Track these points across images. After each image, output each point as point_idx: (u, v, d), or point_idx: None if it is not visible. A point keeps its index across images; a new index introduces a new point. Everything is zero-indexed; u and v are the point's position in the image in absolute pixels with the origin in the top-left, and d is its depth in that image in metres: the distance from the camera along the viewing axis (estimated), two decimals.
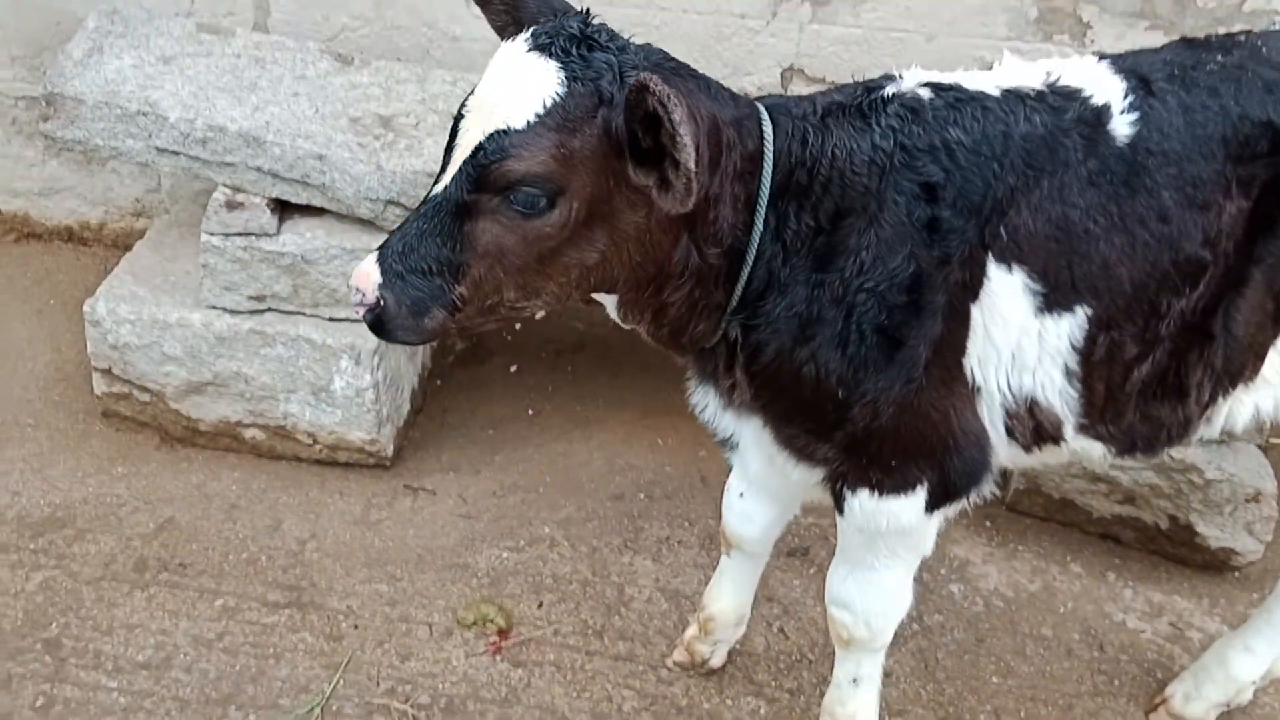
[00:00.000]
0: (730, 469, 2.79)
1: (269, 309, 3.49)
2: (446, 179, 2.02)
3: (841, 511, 2.41)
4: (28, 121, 4.26)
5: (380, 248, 2.05)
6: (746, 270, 2.15)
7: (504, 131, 1.94)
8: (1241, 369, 2.27)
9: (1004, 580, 3.46)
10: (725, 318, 2.23)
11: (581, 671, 3.09)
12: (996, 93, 2.17)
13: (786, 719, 3.01)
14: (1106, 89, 2.16)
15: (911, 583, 2.57)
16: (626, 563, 3.44)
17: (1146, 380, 2.24)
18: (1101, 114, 2.13)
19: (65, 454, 3.66)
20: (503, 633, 3.17)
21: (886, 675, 2.90)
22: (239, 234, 3.36)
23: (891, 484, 2.29)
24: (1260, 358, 2.28)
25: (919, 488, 2.29)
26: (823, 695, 2.85)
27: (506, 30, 2.10)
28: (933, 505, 2.33)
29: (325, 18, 4.02)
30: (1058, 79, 2.19)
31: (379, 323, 2.06)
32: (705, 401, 2.47)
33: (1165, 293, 2.15)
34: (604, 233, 2.04)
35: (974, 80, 2.21)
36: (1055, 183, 2.11)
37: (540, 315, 2.18)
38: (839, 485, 2.36)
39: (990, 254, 2.13)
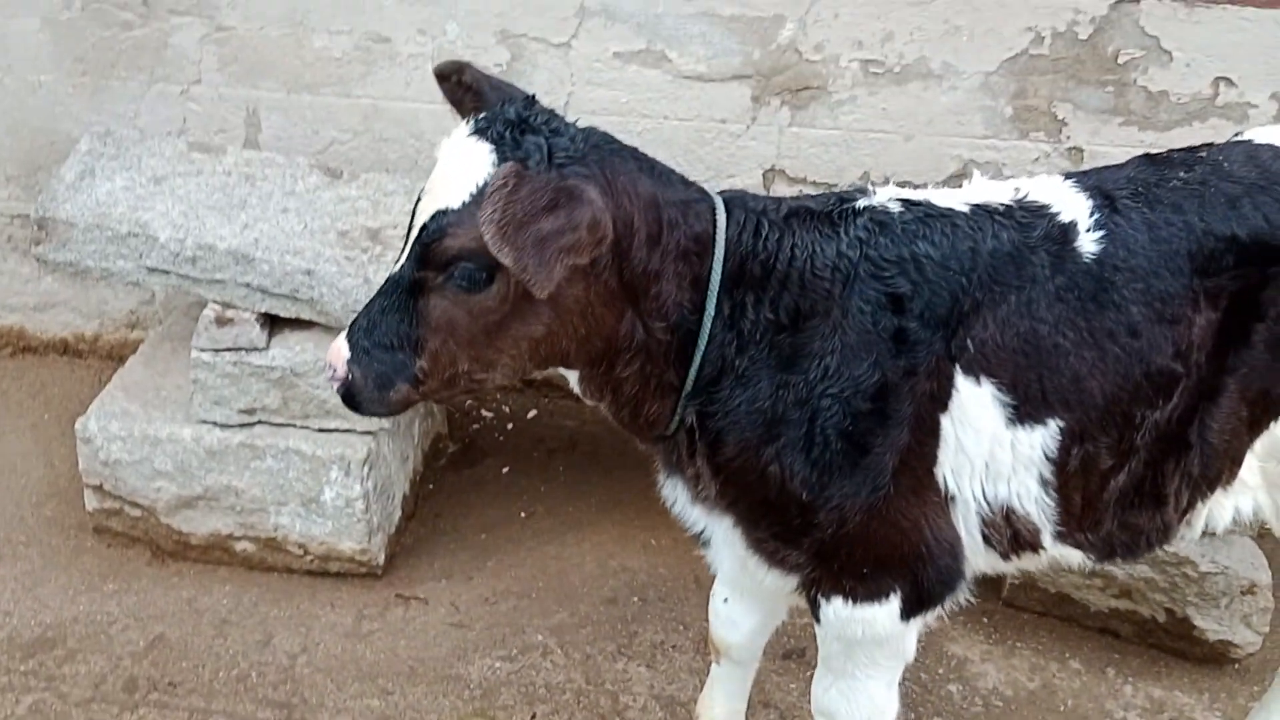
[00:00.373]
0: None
1: (259, 422, 3.51)
2: (403, 258, 2.12)
3: (818, 619, 2.41)
4: (23, 239, 4.33)
5: (350, 325, 2.18)
6: (700, 353, 2.19)
7: (443, 211, 2.04)
8: (1219, 475, 2.28)
9: (1003, 679, 3.42)
10: (682, 402, 2.26)
11: None
12: (965, 209, 2.22)
13: None
14: (1073, 206, 2.21)
15: (897, 689, 2.55)
16: (620, 669, 3.40)
17: (1124, 489, 2.25)
18: (1068, 231, 2.18)
19: (57, 571, 3.65)
20: None
21: None
22: (229, 349, 3.40)
23: (865, 592, 2.29)
24: (1237, 463, 2.30)
25: (893, 595, 2.30)
26: None
27: None
28: (908, 613, 2.33)
29: (315, 132, 4.11)
30: (1025, 196, 2.24)
31: (349, 395, 2.19)
32: (675, 495, 2.50)
33: (1138, 405, 2.18)
34: (546, 307, 2.09)
35: (944, 197, 2.26)
36: (1023, 298, 2.15)
37: (500, 384, 2.27)
38: (813, 592, 2.36)
39: (958, 366, 2.16)
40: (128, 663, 3.33)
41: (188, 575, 3.66)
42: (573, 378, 2.33)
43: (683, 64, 3.95)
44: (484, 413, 4.46)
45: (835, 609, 2.34)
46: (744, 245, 2.18)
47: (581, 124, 2.17)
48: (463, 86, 2.25)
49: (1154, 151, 2.39)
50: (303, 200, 3.57)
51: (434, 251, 2.05)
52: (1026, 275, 2.15)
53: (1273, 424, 2.28)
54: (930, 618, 2.42)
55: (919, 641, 3.45)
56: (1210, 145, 2.37)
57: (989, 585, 3.65)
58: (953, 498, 2.25)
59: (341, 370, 2.15)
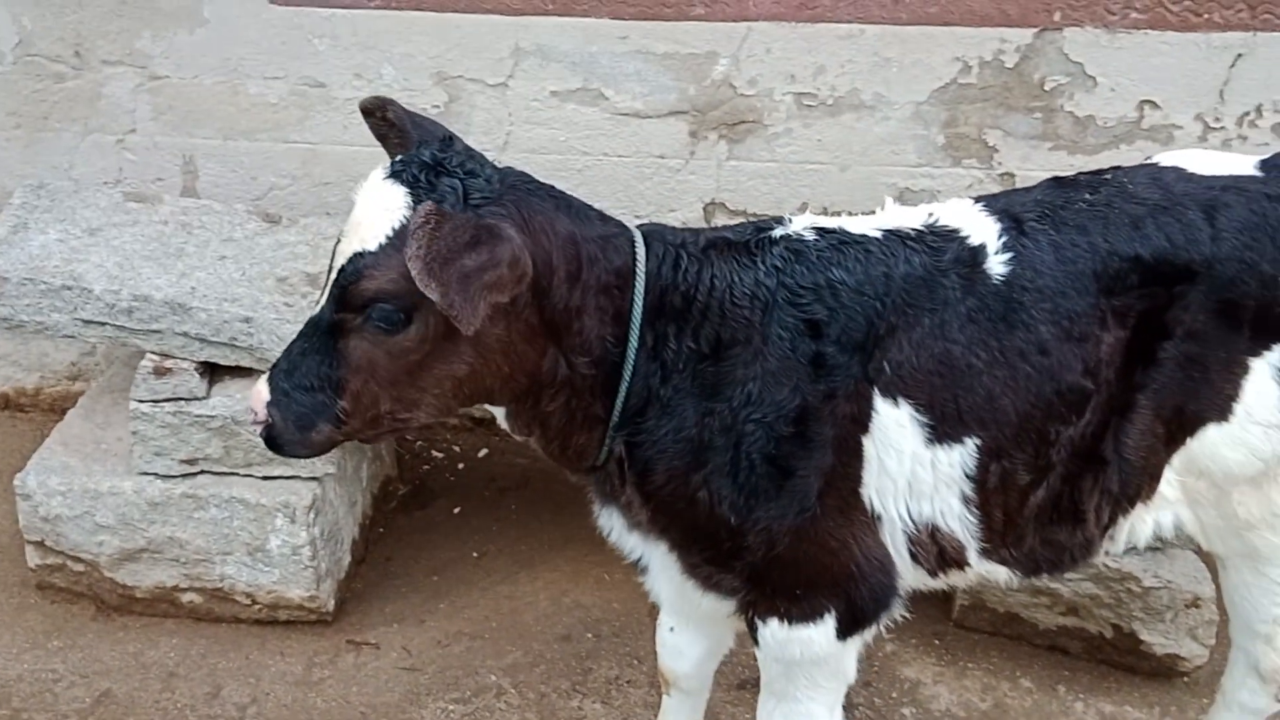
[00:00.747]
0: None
1: (201, 472, 3.48)
2: (322, 300, 2.13)
3: (756, 642, 2.43)
4: None
5: (271, 367, 2.18)
6: (625, 385, 2.21)
7: (360, 254, 2.05)
8: (1138, 490, 2.32)
9: (955, 700, 3.43)
10: (610, 433, 2.28)
11: None
12: (878, 235, 2.26)
13: None
14: (981, 230, 2.25)
15: (840, 712, 2.57)
16: (575, 707, 3.39)
17: (1043, 505, 2.29)
18: (978, 254, 2.22)
19: (1, 630, 3.60)
20: None
21: None
22: (168, 399, 3.38)
23: (799, 613, 2.31)
24: (1155, 478, 2.34)
25: (827, 615, 2.32)
26: None
27: None
28: (844, 632, 2.35)
29: (253, 178, 4.12)
30: (936, 220, 2.28)
31: (270, 438, 2.19)
32: (610, 524, 2.51)
33: (1052, 421, 2.21)
34: (468, 346, 2.10)
35: (857, 224, 2.30)
36: (936, 320, 2.19)
37: (425, 422, 2.28)
38: (750, 615, 2.39)
39: (876, 388, 2.19)
40: None
41: (133, 629, 3.62)
42: (500, 413, 2.35)
43: (619, 101, 3.99)
44: (434, 453, 4.45)
45: (772, 631, 2.36)
46: (664, 277, 2.21)
47: (519, 164, 2.21)
48: (387, 123, 2.27)
49: (1062, 175, 2.44)
50: (241, 247, 3.57)
51: (352, 293, 2.06)
52: (939, 298, 2.19)
53: (1189, 440, 2.32)
54: (868, 636, 2.44)
55: (872, 666, 3.51)
56: (1117, 168, 2.43)
57: (939, 607, 3.68)
58: (879, 517, 2.28)
59: (262, 413, 2.15)
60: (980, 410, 2.19)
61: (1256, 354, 2.25)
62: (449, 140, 2.17)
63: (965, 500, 2.26)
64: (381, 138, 2.30)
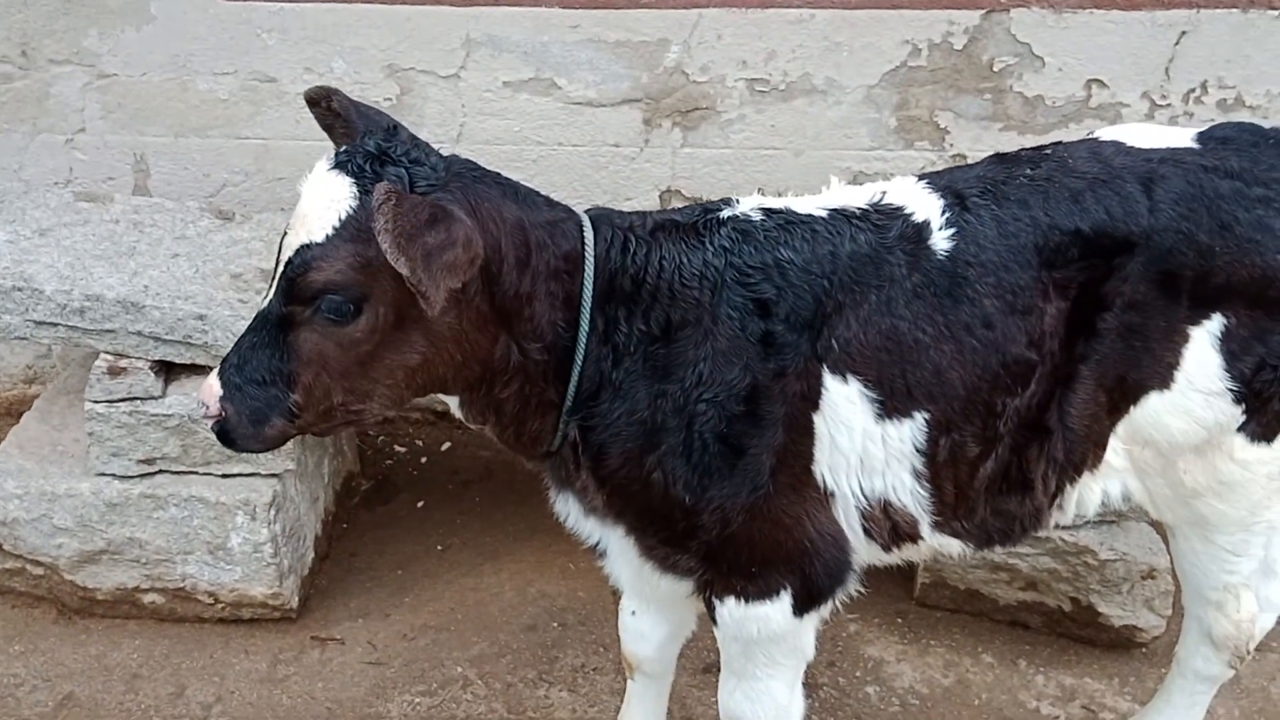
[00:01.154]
0: None
1: (160, 471, 3.46)
2: (270, 293, 2.12)
3: (715, 621, 2.45)
4: None
5: (222, 362, 2.17)
6: (577, 369, 2.22)
7: (307, 245, 2.04)
8: (1084, 459, 2.35)
9: (918, 677, 3.46)
10: (563, 418, 2.29)
11: None
12: (824, 214, 2.28)
13: None
14: (925, 206, 2.28)
15: (801, 688, 2.59)
16: (542, 696, 3.40)
17: (992, 476, 2.32)
18: (922, 230, 2.24)
19: None
20: None
21: None
22: (123, 399, 3.35)
23: (755, 590, 2.34)
24: (1101, 446, 2.37)
25: (783, 592, 2.34)
26: None
27: None
28: (800, 609, 2.37)
29: (206, 175, 4.09)
30: (880, 198, 2.30)
31: (223, 433, 2.18)
32: (566, 509, 2.53)
33: (998, 393, 2.24)
34: (419, 335, 2.11)
35: (803, 203, 2.32)
36: (883, 296, 2.21)
37: (385, 416, 2.27)
38: (708, 594, 2.41)
39: (825, 365, 2.22)
40: None
41: (95, 631, 3.59)
42: (453, 403, 2.35)
43: (572, 90, 3.99)
44: (397, 448, 4.44)
45: (729, 609, 2.38)
46: (613, 261, 2.22)
47: (474, 155, 2.20)
48: (332, 113, 2.27)
49: (1004, 151, 2.47)
50: (194, 244, 3.55)
51: (300, 285, 2.06)
52: (885, 275, 2.21)
53: (1132, 408, 2.35)
54: (824, 612, 2.46)
55: (836, 646, 3.54)
56: (1058, 143, 2.45)
57: (901, 586, 3.71)
58: (831, 493, 2.30)
59: (214, 407, 2.14)
60: (928, 384, 2.22)
61: (1196, 323, 2.28)
62: (393, 129, 2.17)
63: (916, 475, 2.29)
64: (327, 128, 2.30)
